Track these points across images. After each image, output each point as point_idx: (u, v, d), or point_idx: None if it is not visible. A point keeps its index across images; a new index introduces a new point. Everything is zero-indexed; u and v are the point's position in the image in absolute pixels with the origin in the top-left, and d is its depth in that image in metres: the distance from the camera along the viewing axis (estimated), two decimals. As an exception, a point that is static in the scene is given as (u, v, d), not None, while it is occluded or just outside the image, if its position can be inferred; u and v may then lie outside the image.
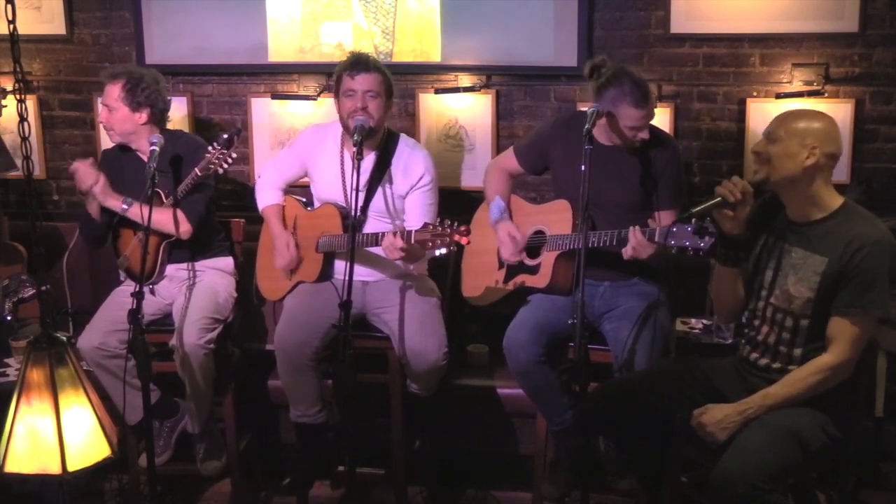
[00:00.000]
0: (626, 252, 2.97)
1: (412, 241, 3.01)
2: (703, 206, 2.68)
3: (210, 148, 3.35)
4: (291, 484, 3.45)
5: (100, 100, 3.53)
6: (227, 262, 3.65)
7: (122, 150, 3.60)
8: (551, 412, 3.27)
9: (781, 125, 2.66)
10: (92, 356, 3.30)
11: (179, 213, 3.41)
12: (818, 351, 2.63)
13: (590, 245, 2.96)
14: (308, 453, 3.44)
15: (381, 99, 3.31)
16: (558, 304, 3.22)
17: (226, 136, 3.35)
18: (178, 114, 4.22)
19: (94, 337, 3.33)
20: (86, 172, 3.42)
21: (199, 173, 3.36)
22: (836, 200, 2.67)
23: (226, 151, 3.33)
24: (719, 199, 2.66)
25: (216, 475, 3.56)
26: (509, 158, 3.52)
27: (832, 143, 2.62)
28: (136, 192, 3.36)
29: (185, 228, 3.42)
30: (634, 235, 2.94)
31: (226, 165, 3.36)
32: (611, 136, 3.23)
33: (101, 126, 3.66)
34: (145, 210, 3.16)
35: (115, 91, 3.44)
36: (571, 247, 3.17)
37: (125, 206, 3.39)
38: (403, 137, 3.50)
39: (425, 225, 3.01)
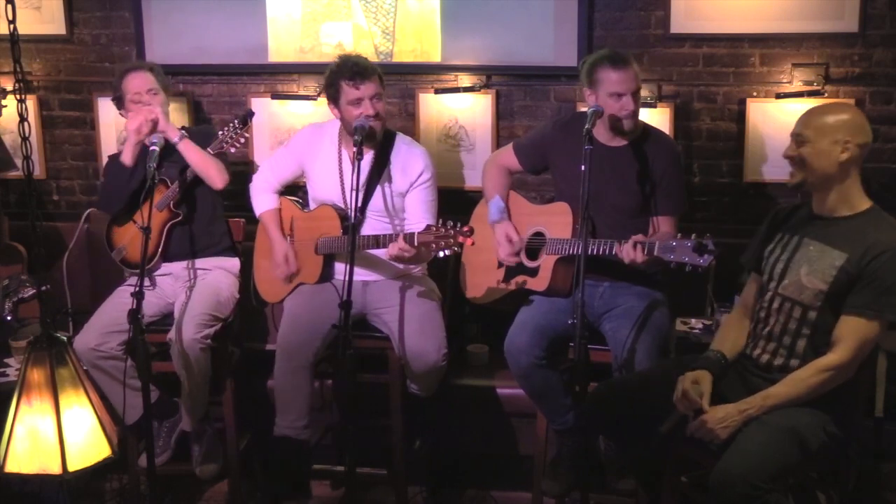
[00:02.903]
0: (620, 254, 2.96)
1: (415, 243, 3.01)
2: (668, 425, 2.72)
3: (224, 129, 3.47)
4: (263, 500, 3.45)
5: (133, 91, 3.50)
6: (234, 262, 3.66)
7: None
8: (553, 413, 3.27)
9: (808, 125, 2.66)
10: (88, 357, 3.29)
11: (219, 162, 3.50)
12: (821, 346, 2.63)
13: (588, 252, 2.96)
14: (285, 469, 3.39)
15: (383, 98, 3.35)
16: (558, 305, 3.22)
17: (241, 116, 3.48)
18: (178, 114, 4.22)
19: (91, 338, 3.32)
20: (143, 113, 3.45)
21: (211, 153, 3.45)
22: (865, 202, 2.68)
23: (240, 131, 3.45)
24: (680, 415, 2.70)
25: (212, 478, 3.56)
26: (508, 155, 3.52)
27: (863, 133, 2.64)
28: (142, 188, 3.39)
29: (225, 178, 3.50)
30: (627, 250, 2.92)
31: (238, 145, 3.46)
32: (609, 132, 3.23)
33: (110, 132, 3.71)
34: (191, 151, 3.42)
35: (149, 78, 3.52)
36: (570, 252, 3.16)
37: (178, 138, 3.46)
38: (400, 135, 3.50)
39: (428, 227, 3.01)
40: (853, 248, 2.59)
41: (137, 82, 3.51)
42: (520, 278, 3.36)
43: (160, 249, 3.53)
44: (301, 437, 3.34)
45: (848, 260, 2.59)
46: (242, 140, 3.49)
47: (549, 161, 3.42)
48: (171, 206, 3.50)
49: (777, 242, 2.79)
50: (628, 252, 2.92)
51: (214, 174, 3.48)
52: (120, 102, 3.55)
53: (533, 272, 3.33)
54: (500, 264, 3.45)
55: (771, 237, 2.82)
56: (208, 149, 3.46)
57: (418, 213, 3.37)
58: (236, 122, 3.50)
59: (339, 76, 3.30)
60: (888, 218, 2.67)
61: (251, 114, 3.55)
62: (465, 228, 2.96)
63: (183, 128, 3.64)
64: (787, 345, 2.70)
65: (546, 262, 3.28)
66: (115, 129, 4.24)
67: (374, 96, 3.28)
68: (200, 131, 3.64)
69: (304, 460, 3.39)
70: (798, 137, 2.67)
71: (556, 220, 3.28)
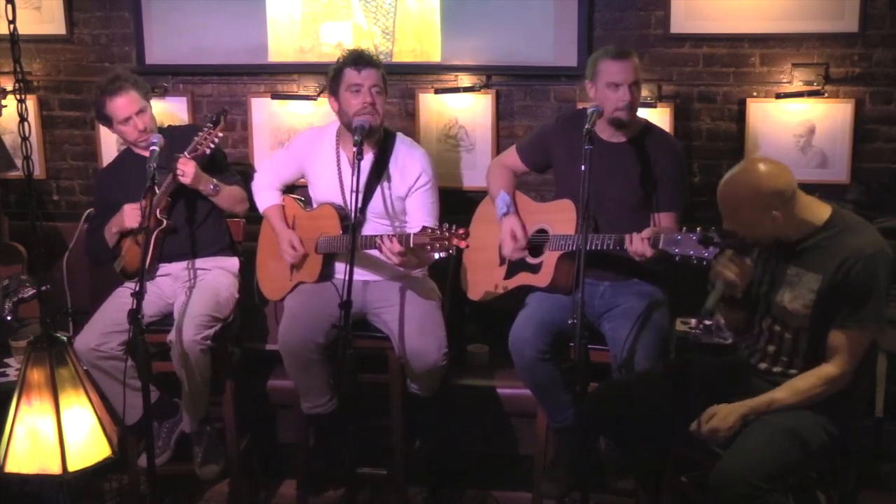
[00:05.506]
0: (629, 247, 2.97)
1: (411, 244, 3.01)
2: (713, 299, 2.65)
3: (199, 132, 3.43)
4: (306, 480, 3.51)
5: (122, 116, 3.45)
6: (233, 262, 3.66)
7: (124, 156, 3.67)
8: (554, 409, 3.27)
9: (727, 205, 2.61)
10: (88, 357, 3.29)
11: (241, 192, 3.58)
12: (819, 358, 2.63)
13: (591, 248, 2.96)
14: (324, 442, 3.47)
15: (383, 95, 3.34)
16: (560, 302, 3.22)
17: (213, 116, 3.45)
18: (179, 114, 4.23)
19: (91, 338, 3.32)
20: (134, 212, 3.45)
21: (187, 156, 3.38)
22: (823, 212, 2.63)
23: (213, 131, 3.41)
24: (723, 284, 2.63)
25: (214, 479, 3.56)
26: (512, 156, 3.53)
27: (782, 189, 2.55)
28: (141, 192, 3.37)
29: (246, 207, 3.61)
30: (633, 243, 2.93)
31: (212, 146, 3.41)
32: (608, 127, 3.23)
33: (110, 132, 3.68)
34: (224, 198, 3.49)
35: (133, 97, 3.45)
36: (574, 248, 3.16)
37: (213, 189, 3.47)
38: (400, 136, 3.50)
39: (424, 229, 3.01)
40: (826, 266, 2.56)
41: (123, 105, 3.44)
42: (521, 276, 3.36)
43: (150, 257, 3.46)
44: (329, 410, 3.41)
45: (822, 280, 2.57)
46: (216, 140, 3.42)
47: (551, 157, 3.42)
48: (158, 213, 3.44)
49: (759, 257, 2.77)
50: (637, 245, 2.92)
51: (239, 209, 3.61)
52: (107, 123, 3.52)
53: (535, 269, 3.33)
54: (502, 262, 3.45)
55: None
56: (185, 153, 3.38)
57: (419, 217, 3.36)
58: (209, 123, 3.44)
59: (345, 63, 3.33)
60: (852, 220, 2.63)
61: (224, 112, 3.48)
62: (461, 231, 2.95)
63: (163, 129, 3.60)
64: (784, 362, 2.71)
65: (549, 258, 3.28)
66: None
67: (374, 87, 3.28)
68: (184, 132, 3.56)
69: (338, 429, 3.43)
70: (726, 218, 2.63)
71: (560, 217, 3.28)
